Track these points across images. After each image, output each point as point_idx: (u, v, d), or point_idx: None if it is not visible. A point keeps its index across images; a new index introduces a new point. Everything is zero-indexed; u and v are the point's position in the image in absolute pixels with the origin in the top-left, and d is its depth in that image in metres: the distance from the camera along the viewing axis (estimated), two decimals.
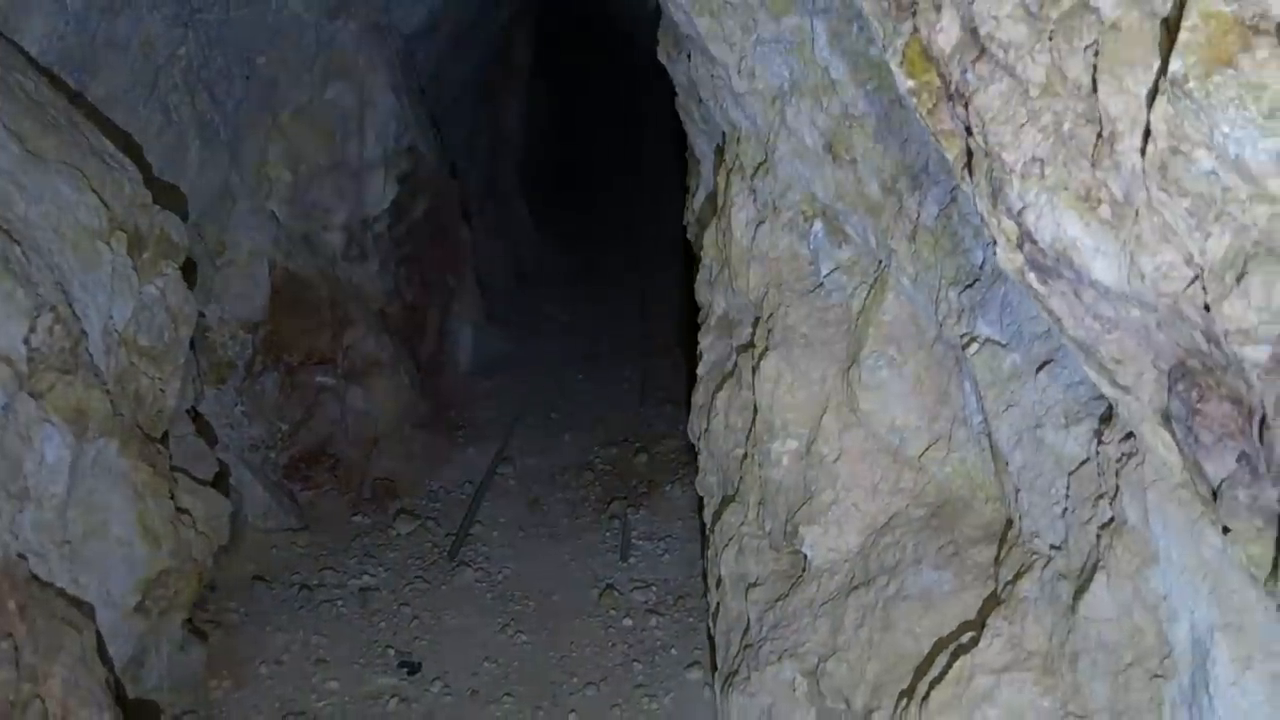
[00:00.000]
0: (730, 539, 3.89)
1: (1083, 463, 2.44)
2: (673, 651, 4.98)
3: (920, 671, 2.67)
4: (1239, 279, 1.37)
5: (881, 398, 3.31)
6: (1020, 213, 1.74)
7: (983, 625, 2.58)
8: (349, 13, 7.42)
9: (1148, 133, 1.43)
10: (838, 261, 3.74)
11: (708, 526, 4.42)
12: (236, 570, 5.50)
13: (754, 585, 3.59)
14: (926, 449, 3.23)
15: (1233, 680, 1.89)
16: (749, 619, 3.52)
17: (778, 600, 3.41)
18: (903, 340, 3.33)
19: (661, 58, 6.11)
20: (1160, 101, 1.38)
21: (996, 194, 1.79)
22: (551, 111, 14.87)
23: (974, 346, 2.86)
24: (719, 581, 3.95)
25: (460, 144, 10.15)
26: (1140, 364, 1.82)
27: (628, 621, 5.32)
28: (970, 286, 2.94)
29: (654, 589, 5.67)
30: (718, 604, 4.01)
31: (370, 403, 7.59)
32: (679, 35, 5.02)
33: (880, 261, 3.47)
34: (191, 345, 4.84)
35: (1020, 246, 1.79)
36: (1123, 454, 2.21)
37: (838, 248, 3.75)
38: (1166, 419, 1.82)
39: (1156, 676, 2.12)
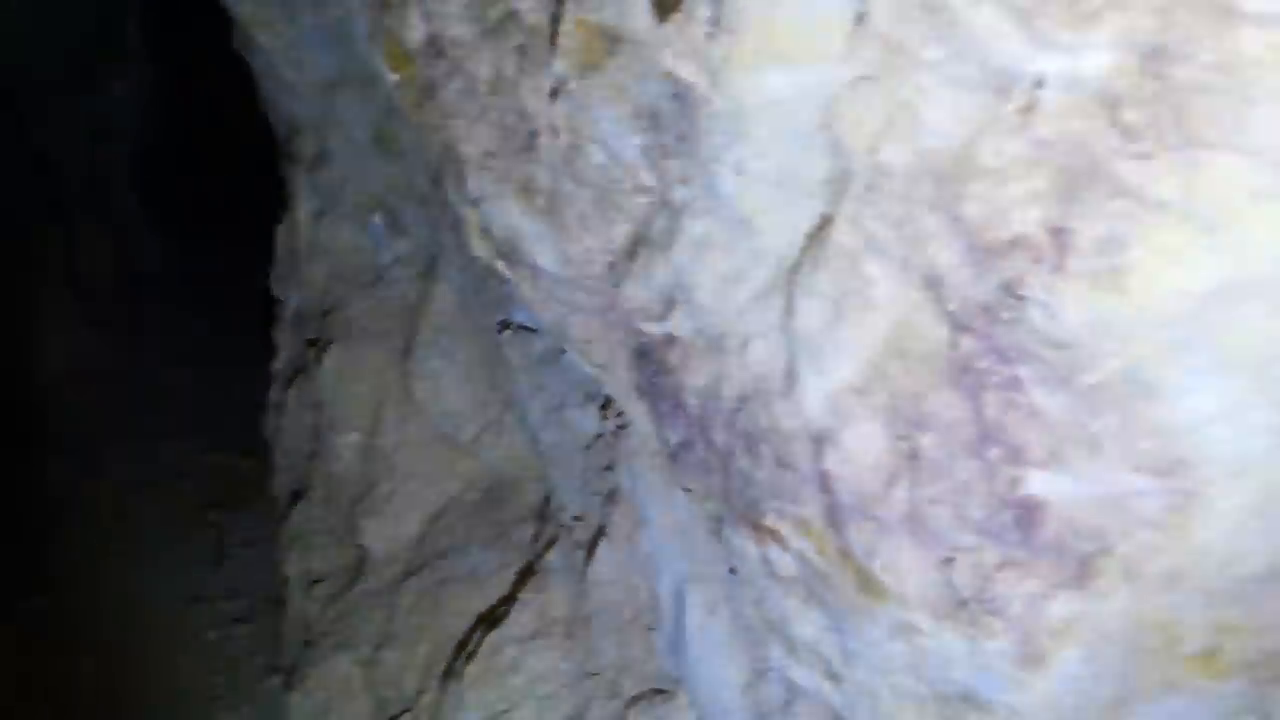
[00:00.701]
0: (296, 538, 3.82)
1: (597, 437, 2.62)
2: (257, 660, 4.79)
3: (460, 648, 2.76)
4: (632, 262, 1.53)
5: (435, 386, 3.37)
6: (478, 203, 1.82)
7: (515, 599, 2.70)
8: None
9: (556, 128, 1.55)
10: (397, 253, 3.76)
11: (278, 528, 4.30)
12: None
13: (317, 582, 3.54)
14: (479, 434, 3.32)
15: (700, 624, 2.11)
16: (310, 617, 3.48)
17: (338, 596, 3.38)
18: (454, 329, 3.40)
19: (237, 46, 5.81)
20: (559, 100, 1.50)
21: (460, 186, 1.88)
22: (177, 99, 13.65)
23: (508, 333, 2.97)
24: (286, 582, 3.86)
25: (53, 132, 9.11)
26: (609, 343, 1.97)
27: (212, 634, 5.06)
28: None
29: (245, 598, 5.41)
30: (285, 606, 3.92)
31: None
32: None
33: (433, 253, 3.52)
34: None
35: (483, 236, 1.88)
36: (618, 427, 2.40)
37: (396, 240, 3.76)
38: (641, 392, 1.99)
39: (650, 629, 2.32)
